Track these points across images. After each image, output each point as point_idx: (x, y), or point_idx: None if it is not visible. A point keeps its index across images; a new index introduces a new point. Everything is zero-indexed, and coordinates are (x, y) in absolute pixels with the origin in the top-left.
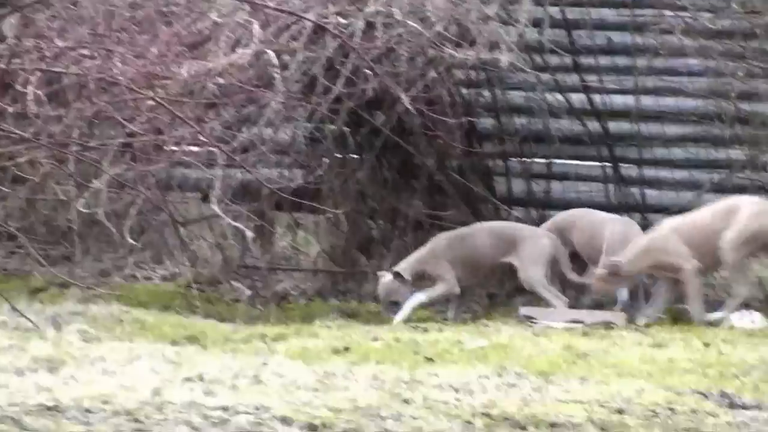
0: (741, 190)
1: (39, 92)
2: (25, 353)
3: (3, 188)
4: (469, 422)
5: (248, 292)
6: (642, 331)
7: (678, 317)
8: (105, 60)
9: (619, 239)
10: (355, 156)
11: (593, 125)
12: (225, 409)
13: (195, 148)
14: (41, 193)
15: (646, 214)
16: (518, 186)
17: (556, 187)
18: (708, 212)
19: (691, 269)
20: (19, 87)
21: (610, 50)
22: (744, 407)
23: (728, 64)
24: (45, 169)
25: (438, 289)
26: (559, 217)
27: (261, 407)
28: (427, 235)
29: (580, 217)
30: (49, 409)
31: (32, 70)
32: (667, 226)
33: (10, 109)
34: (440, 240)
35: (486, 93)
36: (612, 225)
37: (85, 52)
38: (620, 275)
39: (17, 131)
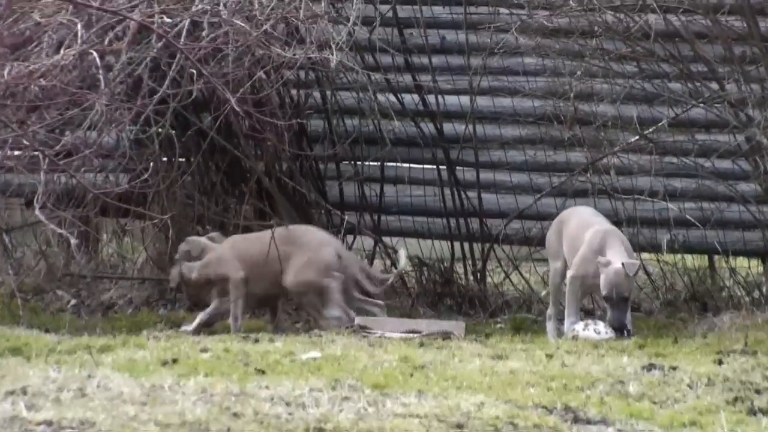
0: (582, 193)
1: None
2: None
3: None
4: None
5: (73, 302)
6: (482, 342)
7: (519, 327)
8: None
9: (593, 246)
10: (182, 159)
11: (427, 127)
12: (49, 423)
13: (18, 152)
14: None
15: (484, 218)
16: (350, 190)
17: (390, 190)
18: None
19: (235, 278)
20: None
21: (443, 49)
22: (589, 422)
23: (566, 63)
24: None
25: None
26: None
27: (86, 422)
28: None
29: (570, 216)
30: None
31: None
32: (229, 240)
33: None
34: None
35: (316, 94)
36: (589, 231)
37: None
38: (191, 282)
39: None
